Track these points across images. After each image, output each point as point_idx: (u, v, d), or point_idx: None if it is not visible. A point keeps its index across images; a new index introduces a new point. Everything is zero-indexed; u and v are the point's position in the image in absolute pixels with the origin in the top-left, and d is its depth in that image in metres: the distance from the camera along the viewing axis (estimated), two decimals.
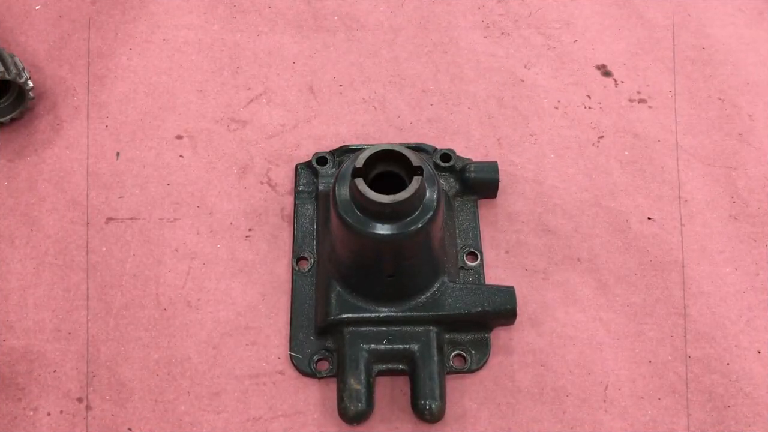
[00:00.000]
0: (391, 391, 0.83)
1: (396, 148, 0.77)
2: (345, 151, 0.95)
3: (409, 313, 0.84)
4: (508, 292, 0.84)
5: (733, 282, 0.90)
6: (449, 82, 1.05)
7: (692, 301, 0.89)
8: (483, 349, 0.85)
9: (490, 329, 0.86)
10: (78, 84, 1.03)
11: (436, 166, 0.93)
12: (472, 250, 0.91)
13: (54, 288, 0.89)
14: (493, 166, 0.94)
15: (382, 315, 0.84)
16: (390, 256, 0.81)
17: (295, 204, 0.94)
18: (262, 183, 0.96)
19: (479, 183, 0.94)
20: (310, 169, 0.95)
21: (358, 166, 0.76)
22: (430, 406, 0.79)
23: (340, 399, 0.80)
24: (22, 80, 0.95)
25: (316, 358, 0.84)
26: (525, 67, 1.07)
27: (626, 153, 0.99)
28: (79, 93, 1.02)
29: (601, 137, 1.00)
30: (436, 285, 0.85)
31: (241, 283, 0.89)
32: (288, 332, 0.86)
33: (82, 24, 1.08)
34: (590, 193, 0.96)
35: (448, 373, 0.83)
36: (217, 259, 0.91)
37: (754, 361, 0.86)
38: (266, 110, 1.02)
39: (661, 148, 1.00)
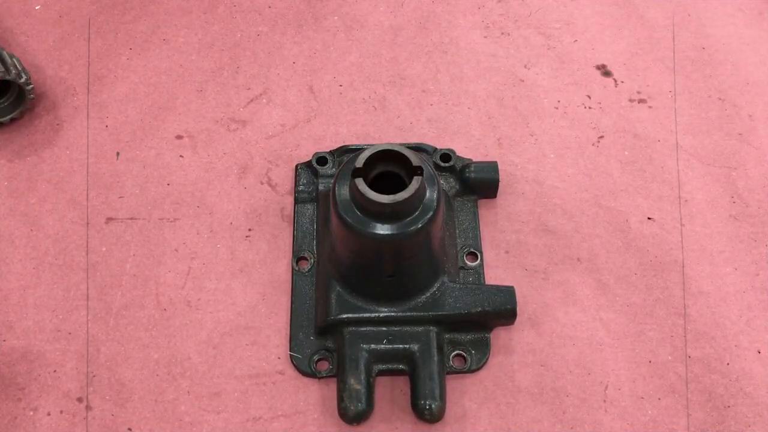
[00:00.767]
0: (391, 391, 0.83)
1: (396, 148, 0.77)
2: (345, 151, 0.95)
3: (409, 313, 0.84)
4: (508, 292, 0.84)
5: (733, 282, 0.90)
6: (449, 82, 1.05)
7: (692, 301, 0.89)
8: (483, 349, 0.85)
9: (490, 329, 0.86)
10: (78, 84, 1.03)
11: (436, 166, 0.93)
12: (472, 250, 0.91)
13: (54, 288, 0.89)
14: (493, 166, 0.94)
15: (382, 315, 0.83)
16: (390, 256, 0.81)
17: (295, 204, 0.94)
18: (262, 183, 0.96)
19: (479, 183, 0.93)
20: (310, 169, 0.95)
21: (358, 166, 0.76)
22: (430, 406, 0.79)
23: (340, 399, 0.80)
24: (22, 80, 0.95)
25: (316, 358, 0.84)
26: (525, 67, 1.07)
27: (626, 153, 0.99)
28: (79, 93, 1.02)
29: (601, 137, 1.00)
30: (436, 285, 0.85)
31: (241, 283, 0.89)
32: (288, 332, 0.86)
33: (82, 24, 1.08)
34: (590, 193, 0.96)
35: (448, 373, 0.83)
36: (217, 259, 0.91)
37: (754, 361, 0.86)
38: (266, 110, 1.02)
39: (661, 148, 1.00)
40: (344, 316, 0.83)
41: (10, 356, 0.85)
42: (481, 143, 1.00)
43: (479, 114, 1.02)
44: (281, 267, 0.91)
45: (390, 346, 0.83)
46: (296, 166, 0.96)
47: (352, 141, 0.99)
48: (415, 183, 0.75)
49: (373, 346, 0.83)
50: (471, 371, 0.84)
